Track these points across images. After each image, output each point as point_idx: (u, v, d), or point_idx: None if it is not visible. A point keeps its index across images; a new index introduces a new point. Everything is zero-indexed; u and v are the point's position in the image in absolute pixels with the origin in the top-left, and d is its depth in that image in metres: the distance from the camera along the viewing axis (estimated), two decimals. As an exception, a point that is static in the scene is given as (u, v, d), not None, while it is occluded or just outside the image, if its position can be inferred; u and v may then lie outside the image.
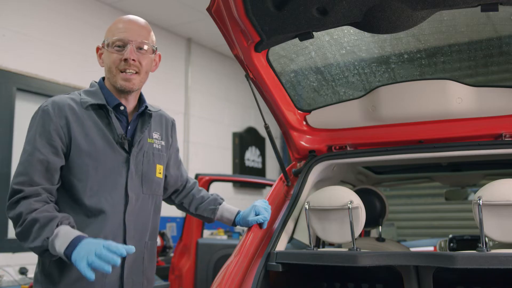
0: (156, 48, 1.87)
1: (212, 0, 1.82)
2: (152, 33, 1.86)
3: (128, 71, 1.76)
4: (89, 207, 1.69)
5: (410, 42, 2.12)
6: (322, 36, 2.09)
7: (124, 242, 1.74)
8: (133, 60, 1.75)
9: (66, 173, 1.71)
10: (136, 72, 1.78)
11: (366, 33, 1.85)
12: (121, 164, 1.76)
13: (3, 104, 4.51)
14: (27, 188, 1.63)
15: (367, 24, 1.74)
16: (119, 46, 1.76)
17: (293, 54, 2.19)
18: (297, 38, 1.89)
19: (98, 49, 1.85)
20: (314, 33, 1.84)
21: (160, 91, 6.17)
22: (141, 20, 1.84)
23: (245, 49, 1.94)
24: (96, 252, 1.46)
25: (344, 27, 1.95)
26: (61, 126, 1.69)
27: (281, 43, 1.95)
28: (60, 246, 1.53)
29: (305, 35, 1.85)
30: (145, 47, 1.79)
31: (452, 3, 1.59)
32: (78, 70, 5.21)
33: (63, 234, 1.54)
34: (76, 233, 1.56)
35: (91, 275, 1.44)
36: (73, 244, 1.51)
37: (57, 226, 1.57)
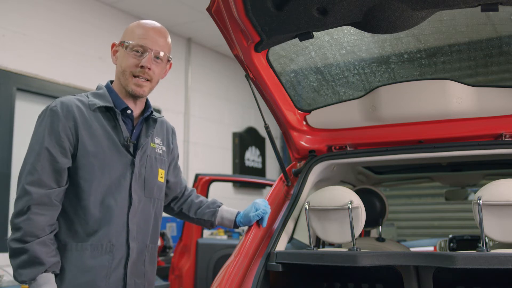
0: (171, 58, 1.89)
1: (212, 0, 1.82)
2: (169, 41, 1.88)
3: (141, 77, 1.78)
4: (94, 208, 1.70)
5: (410, 42, 2.11)
6: (322, 36, 2.09)
7: (127, 243, 1.75)
8: (149, 68, 1.78)
9: (72, 174, 1.72)
10: (148, 80, 1.80)
11: (366, 33, 1.85)
12: (126, 166, 1.78)
13: (3, 104, 4.51)
14: (39, 191, 1.63)
15: (367, 24, 1.74)
16: (137, 51, 1.78)
17: (293, 54, 2.19)
18: (297, 38, 1.89)
19: (113, 45, 1.86)
20: (314, 33, 1.85)
21: (160, 91, 6.14)
22: (162, 28, 1.86)
23: (245, 49, 1.94)
24: None
25: (344, 27, 1.95)
26: (69, 127, 1.70)
27: (281, 43, 1.95)
28: None
29: (305, 35, 1.86)
30: (161, 54, 1.81)
31: (452, 3, 1.59)
32: (78, 70, 5.21)
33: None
34: None
35: None
36: None
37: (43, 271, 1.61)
